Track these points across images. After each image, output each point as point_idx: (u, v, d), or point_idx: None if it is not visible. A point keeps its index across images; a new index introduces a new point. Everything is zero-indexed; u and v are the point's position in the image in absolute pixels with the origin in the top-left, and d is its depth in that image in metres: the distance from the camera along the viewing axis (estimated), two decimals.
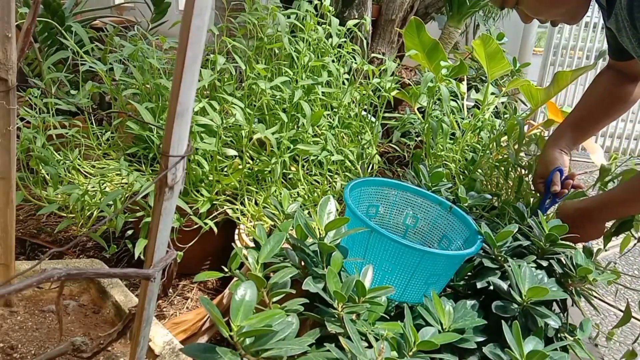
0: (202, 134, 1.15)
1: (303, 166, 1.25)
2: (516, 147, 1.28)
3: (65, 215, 1.14)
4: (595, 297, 0.96)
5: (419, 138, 1.59)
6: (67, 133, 1.21)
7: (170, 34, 1.23)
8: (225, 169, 1.21)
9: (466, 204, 1.11)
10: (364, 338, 0.69)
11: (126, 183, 1.13)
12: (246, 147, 1.16)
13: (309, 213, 1.14)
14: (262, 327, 0.59)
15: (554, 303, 0.90)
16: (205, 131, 1.16)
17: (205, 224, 1.11)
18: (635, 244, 1.10)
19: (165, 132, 0.44)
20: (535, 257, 0.92)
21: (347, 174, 1.32)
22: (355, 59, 1.46)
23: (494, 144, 1.37)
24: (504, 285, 0.84)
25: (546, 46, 3.64)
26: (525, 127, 1.33)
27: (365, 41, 1.65)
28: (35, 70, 1.79)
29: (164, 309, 1.18)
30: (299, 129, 1.26)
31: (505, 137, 1.36)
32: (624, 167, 1.18)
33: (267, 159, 1.19)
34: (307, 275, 0.77)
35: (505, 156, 1.32)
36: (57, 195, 1.14)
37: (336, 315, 0.71)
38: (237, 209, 1.17)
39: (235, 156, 1.20)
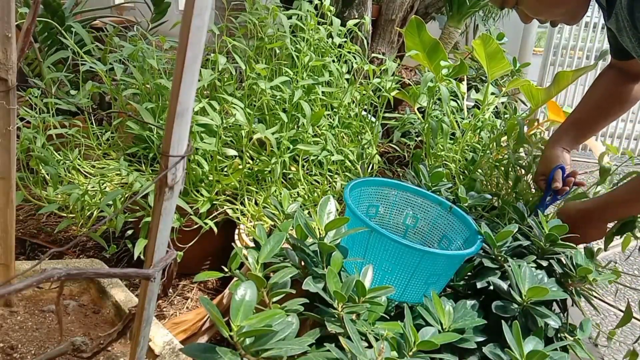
0: (202, 134, 1.15)
1: (303, 166, 1.25)
2: (516, 146, 1.28)
3: (65, 215, 1.14)
4: (595, 297, 0.96)
5: (419, 138, 1.59)
6: (67, 133, 1.21)
7: (170, 34, 1.22)
8: (225, 169, 1.21)
9: (466, 204, 1.11)
10: (364, 338, 0.69)
11: (126, 183, 1.13)
12: (246, 147, 1.16)
13: (309, 213, 1.14)
14: (262, 327, 0.59)
15: (554, 303, 0.90)
16: (205, 131, 1.16)
17: (205, 224, 1.11)
18: (637, 247, 1.10)
19: (165, 132, 0.44)
20: (535, 257, 0.92)
21: (347, 174, 1.32)
22: (355, 59, 1.46)
23: (494, 144, 1.37)
24: (504, 285, 0.84)
25: (546, 46, 3.64)
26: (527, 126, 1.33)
27: (365, 41, 1.65)
28: (35, 70, 1.79)
29: (164, 309, 1.18)
30: (299, 129, 1.26)
31: (505, 137, 1.36)
32: (624, 167, 1.18)
33: (267, 159, 1.19)
34: (307, 275, 0.77)
35: (505, 156, 1.32)
36: (57, 195, 1.14)
37: (336, 315, 0.71)
38: (237, 209, 1.17)
39: (235, 156, 1.20)
